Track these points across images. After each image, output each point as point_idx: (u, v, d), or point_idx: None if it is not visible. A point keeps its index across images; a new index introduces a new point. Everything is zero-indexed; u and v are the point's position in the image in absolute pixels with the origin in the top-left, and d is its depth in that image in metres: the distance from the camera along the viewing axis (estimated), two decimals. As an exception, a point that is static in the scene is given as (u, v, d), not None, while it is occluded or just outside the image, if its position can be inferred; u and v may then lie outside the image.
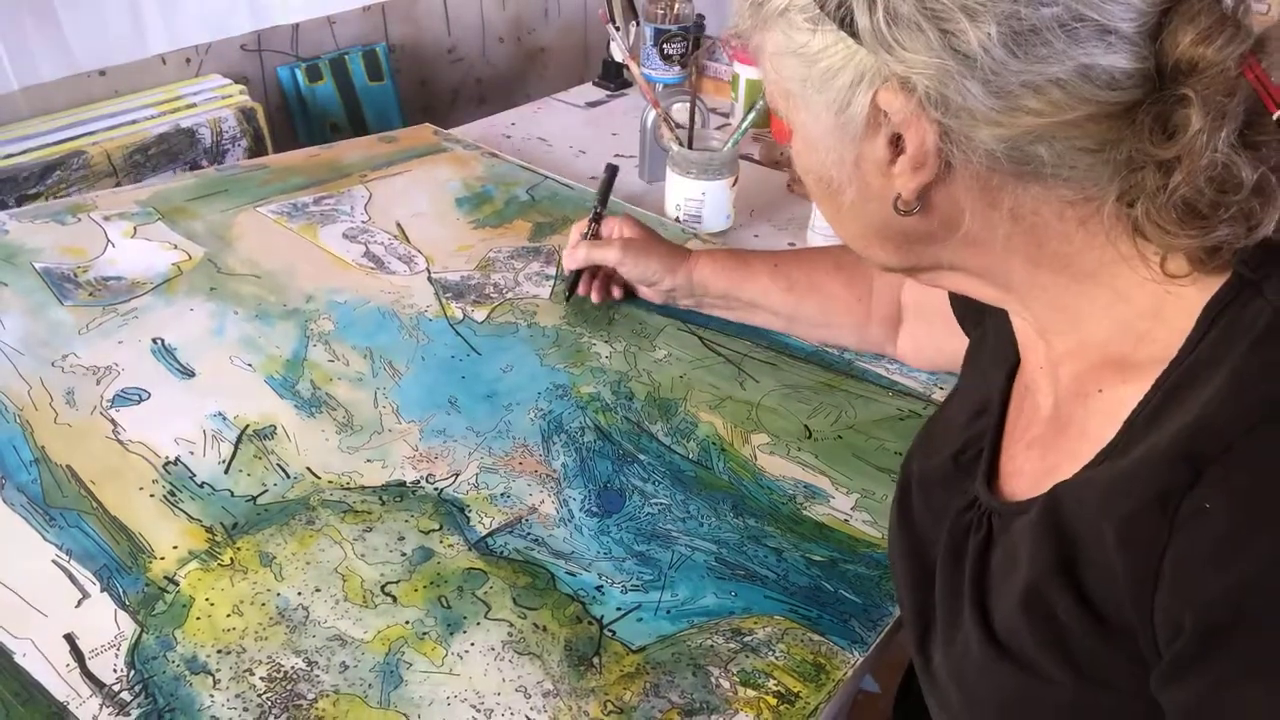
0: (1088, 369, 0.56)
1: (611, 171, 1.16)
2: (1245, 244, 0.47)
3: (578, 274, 1.09)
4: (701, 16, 1.61)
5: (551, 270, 1.16)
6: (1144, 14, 0.46)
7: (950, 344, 0.83)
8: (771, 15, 0.53)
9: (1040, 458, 0.60)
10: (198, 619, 0.73)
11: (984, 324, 0.74)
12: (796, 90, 0.54)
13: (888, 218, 0.55)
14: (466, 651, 0.71)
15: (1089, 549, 0.50)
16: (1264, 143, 0.46)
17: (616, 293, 1.10)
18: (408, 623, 0.73)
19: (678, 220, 1.25)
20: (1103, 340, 0.55)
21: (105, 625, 0.72)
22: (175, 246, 1.15)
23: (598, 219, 1.09)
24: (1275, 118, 0.45)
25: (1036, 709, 0.55)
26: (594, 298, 1.09)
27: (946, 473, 0.68)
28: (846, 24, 0.49)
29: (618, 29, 1.38)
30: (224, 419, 0.91)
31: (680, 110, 1.26)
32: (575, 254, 1.07)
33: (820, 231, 1.22)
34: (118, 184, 1.35)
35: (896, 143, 0.52)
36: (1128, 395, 0.52)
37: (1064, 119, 0.47)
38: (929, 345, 0.96)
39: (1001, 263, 0.56)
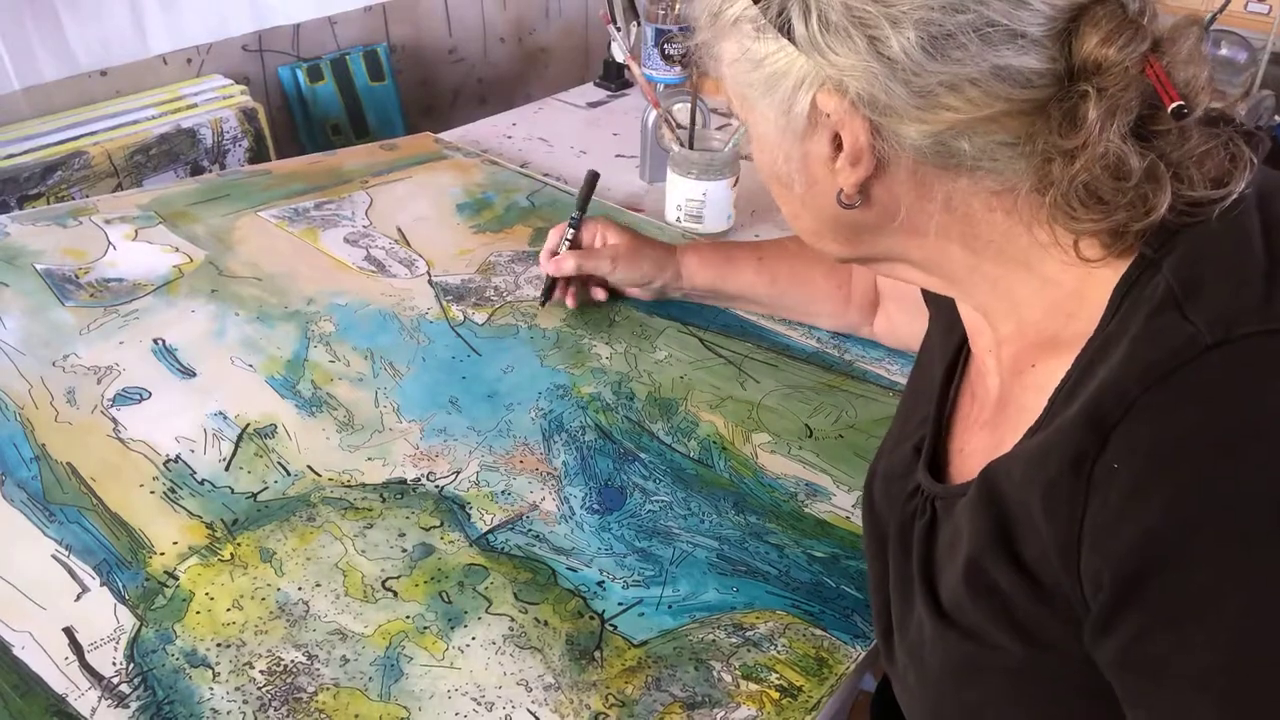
0: (1025, 348, 0.59)
1: (592, 178, 1.15)
2: (1143, 225, 0.50)
3: (554, 279, 1.09)
4: (702, 17, 1.61)
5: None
6: (1053, 20, 0.50)
7: (920, 325, 0.86)
8: (726, 25, 0.58)
9: (990, 435, 0.63)
10: (197, 613, 0.72)
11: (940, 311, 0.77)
12: (748, 94, 0.59)
13: (835, 211, 0.59)
14: (467, 645, 0.71)
15: (1021, 519, 0.52)
16: (1162, 133, 0.51)
17: (600, 294, 1.10)
18: (408, 617, 0.73)
19: (678, 221, 1.25)
20: (1038, 321, 0.58)
21: (104, 619, 0.72)
22: (176, 249, 1.15)
23: (576, 225, 1.09)
24: (1170, 109, 0.49)
25: (985, 675, 0.57)
26: (569, 303, 1.09)
27: (908, 464, 0.70)
28: (786, 31, 0.54)
29: (619, 29, 1.39)
30: (225, 418, 0.91)
31: (681, 110, 1.26)
32: (563, 264, 1.07)
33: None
34: (119, 184, 1.35)
35: (836, 141, 0.56)
36: (1056, 370, 0.55)
37: (981, 115, 0.51)
38: (903, 326, 1.00)
39: (941, 252, 0.59)
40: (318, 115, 1.69)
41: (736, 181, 1.23)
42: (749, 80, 0.58)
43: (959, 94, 0.51)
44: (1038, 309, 0.58)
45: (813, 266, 1.04)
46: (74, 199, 1.35)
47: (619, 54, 1.39)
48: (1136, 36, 0.49)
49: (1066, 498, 0.48)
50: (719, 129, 1.26)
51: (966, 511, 0.57)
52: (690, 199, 1.23)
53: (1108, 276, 0.53)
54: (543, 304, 1.09)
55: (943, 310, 0.73)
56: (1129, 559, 0.46)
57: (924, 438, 0.69)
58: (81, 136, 1.35)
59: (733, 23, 0.57)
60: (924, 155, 0.54)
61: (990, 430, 0.63)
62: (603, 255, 1.06)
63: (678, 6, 1.47)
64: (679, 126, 1.23)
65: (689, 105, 1.23)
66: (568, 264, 1.06)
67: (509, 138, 1.54)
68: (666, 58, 1.49)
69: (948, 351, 0.71)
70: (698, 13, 0.60)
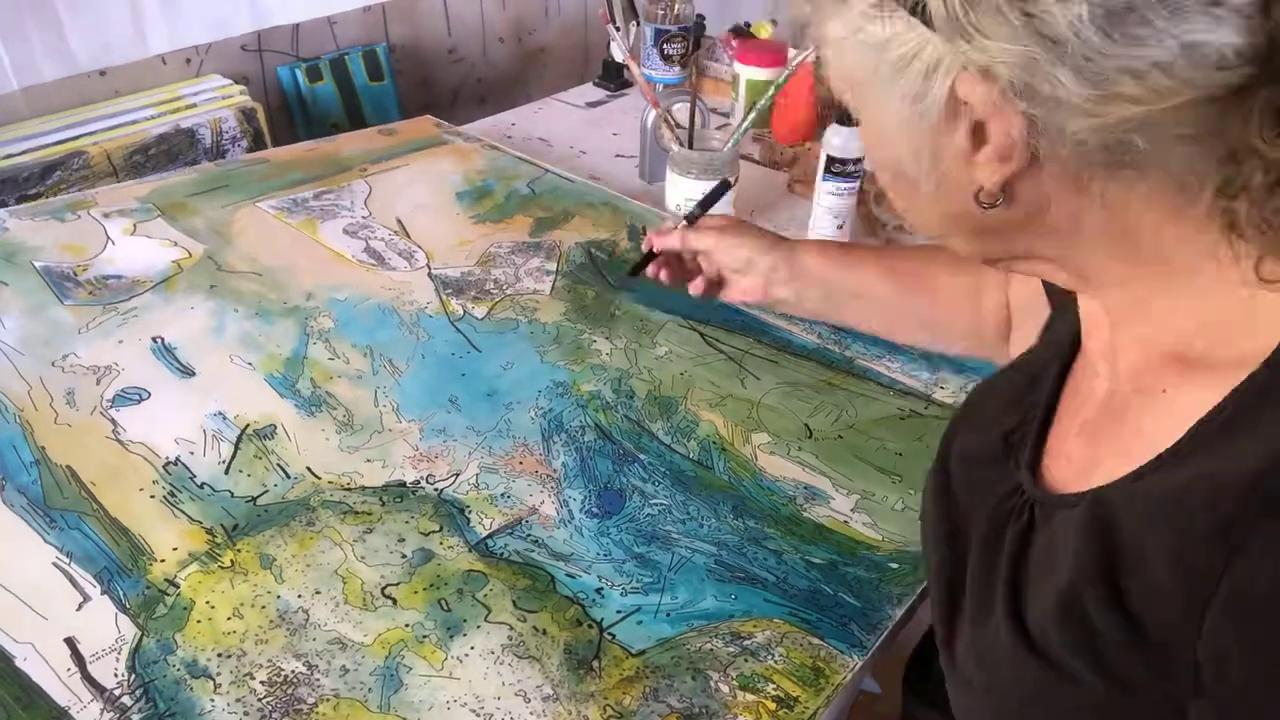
0: (1152, 363, 0.54)
1: (724, 185, 1.01)
2: None
3: (651, 255, 0.96)
4: (702, 16, 1.60)
5: (552, 266, 1.15)
6: None
7: None
8: (831, 2, 0.50)
9: (1089, 445, 0.58)
10: (198, 622, 0.73)
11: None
12: (865, 80, 0.50)
13: (968, 209, 0.52)
14: (466, 655, 0.71)
15: (1136, 559, 0.48)
16: None
17: (698, 286, 0.95)
18: (408, 626, 0.73)
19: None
20: (1174, 336, 0.52)
21: (106, 629, 0.72)
22: (175, 244, 1.15)
23: (691, 220, 0.96)
24: None
25: (1060, 706, 0.54)
26: (663, 277, 0.96)
27: (995, 451, 0.65)
28: (919, 11, 0.45)
29: (618, 29, 1.38)
30: (224, 418, 0.91)
31: (681, 110, 1.25)
32: (667, 238, 0.94)
33: (820, 232, 1.21)
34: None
35: (978, 132, 0.48)
36: (1196, 398, 0.49)
37: (1166, 105, 0.43)
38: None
39: (1083, 251, 0.53)
40: (317, 115, 1.69)
41: (736, 181, 1.22)
42: (864, 64, 0.50)
43: (1141, 81, 0.42)
44: (1178, 322, 0.52)
45: (938, 271, 0.91)
46: (73, 192, 1.34)
47: (618, 54, 1.38)
48: None
49: (1205, 555, 0.44)
50: (718, 128, 1.25)
51: (1071, 532, 0.53)
52: (690, 199, 1.22)
53: None
54: (630, 274, 0.97)
55: (1067, 302, 0.66)
56: (1268, 646, 0.43)
57: (1024, 434, 0.63)
58: (80, 136, 1.34)
59: (840, 0, 0.49)
60: (1087, 150, 0.46)
61: (1091, 438, 0.58)
62: (708, 229, 0.93)
63: (677, 6, 1.46)
64: (678, 126, 1.22)
65: (688, 105, 1.22)
66: (672, 239, 0.93)
67: (508, 137, 1.53)
68: (666, 57, 1.49)
69: (1065, 338, 0.64)
70: None
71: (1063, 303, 0.68)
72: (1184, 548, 0.45)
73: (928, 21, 0.45)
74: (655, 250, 0.95)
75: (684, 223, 0.94)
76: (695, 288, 0.95)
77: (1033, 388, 0.66)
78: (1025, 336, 0.86)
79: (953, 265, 0.91)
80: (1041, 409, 0.63)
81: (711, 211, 0.96)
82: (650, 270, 0.96)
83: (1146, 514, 0.48)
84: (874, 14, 0.47)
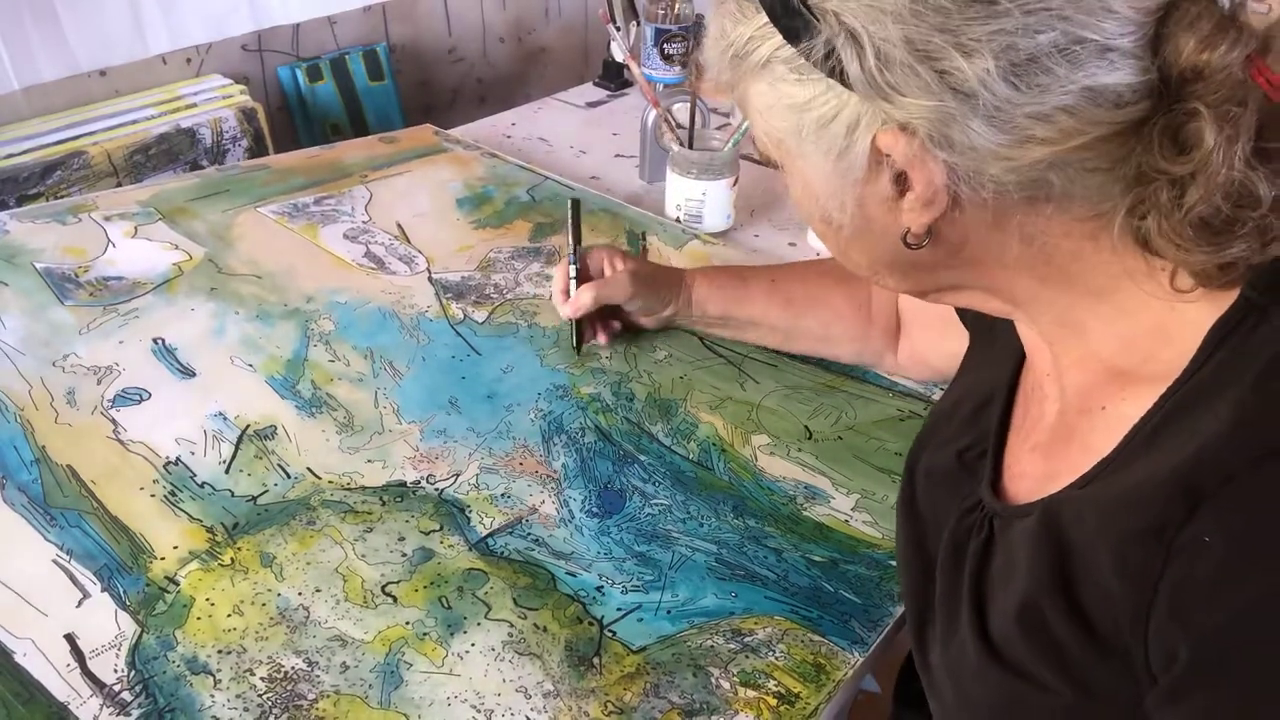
0: (1092, 382, 0.56)
1: (575, 206, 1.06)
2: (1260, 259, 0.46)
3: (580, 321, 1.02)
4: (702, 16, 1.60)
5: (553, 271, 1.16)
6: (1141, 25, 0.45)
7: (950, 344, 0.82)
8: (753, 68, 0.52)
9: (1043, 461, 0.60)
10: (198, 619, 0.73)
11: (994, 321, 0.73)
12: (788, 140, 0.53)
13: (896, 251, 0.54)
14: (467, 652, 0.71)
15: (1085, 567, 0.50)
16: (1275, 151, 0.45)
17: (617, 326, 1.05)
18: (408, 623, 0.73)
19: (678, 220, 1.25)
20: (1108, 355, 0.55)
21: (106, 625, 0.72)
22: (176, 246, 1.15)
23: (576, 261, 1.01)
24: None
25: (1029, 714, 0.56)
26: (601, 340, 1.03)
27: (950, 469, 0.67)
28: (836, 73, 0.48)
29: (618, 29, 1.38)
30: (225, 419, 0.91)
31: (681, 110, 1.26)
32: (579, 300, 0.98)
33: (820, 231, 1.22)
34: (118, 184, 1.35)
35: (901, 180, 0.51)
36: (1129, 412, 0.51)
37: (1074, 144, 0.46)
38: (930, 350, 0.94)
39: (1009, 280, 0.56)
40: (317, 115, 1.69)
41: (736, 181, 1.23)
42: (787, 125, 0.52)
43: (1050, 125, 0.46)
44: (1108, 341, 0.54)
45: (829, 289, 0.98)
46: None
47: (618, 54, 1.39)
48: (1240, 37, 0.43)
49: (1142, 560, 0.46)
50: (719, 129, 1.26)
51: (1025, 542, 0.55)
52: (690, 199, 1.22)
53: (1197, 314, 0.49)
54: (578, 352, 1.02)
55: (993, 326, 0.68)
56: (1213, 640, 0.44)
57: (983, 451, 0.65)
58: (81, 136, 1.35)
59: (762, 65, 0.51)
60: (1006, 190, 0.49)
61: (1044, 455, 0.60)
62: (619, 282, 0.99)
63: (677, 6, 1.47)
64: (679, 126, 1.23)
65: (688, 105, 1.22)
66: (585, 298, 0.98)
67: (508, 137, 1.54)
68: (666, 57, 1.49)
69: (1012, 357, 0.67)
70: (709, 51, 0.55)
71: (988, 326, 0.70)
72: (1125, 552, 0.47)
73: (846, 83, 0.48)
74: (578, 319, 1.01)
75: (571, 259, 1.01)
76: (614, 328, 1.05)
77: (986, 408, 0.68)
78: (915, 340, 0.95)
79: (846, 283, 0.98)
80: (995, 428, 0.65)
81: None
82: (588, 337, 1.04)
83: (1091, 523, 0.50)
84: (794, 77, 0.50)
